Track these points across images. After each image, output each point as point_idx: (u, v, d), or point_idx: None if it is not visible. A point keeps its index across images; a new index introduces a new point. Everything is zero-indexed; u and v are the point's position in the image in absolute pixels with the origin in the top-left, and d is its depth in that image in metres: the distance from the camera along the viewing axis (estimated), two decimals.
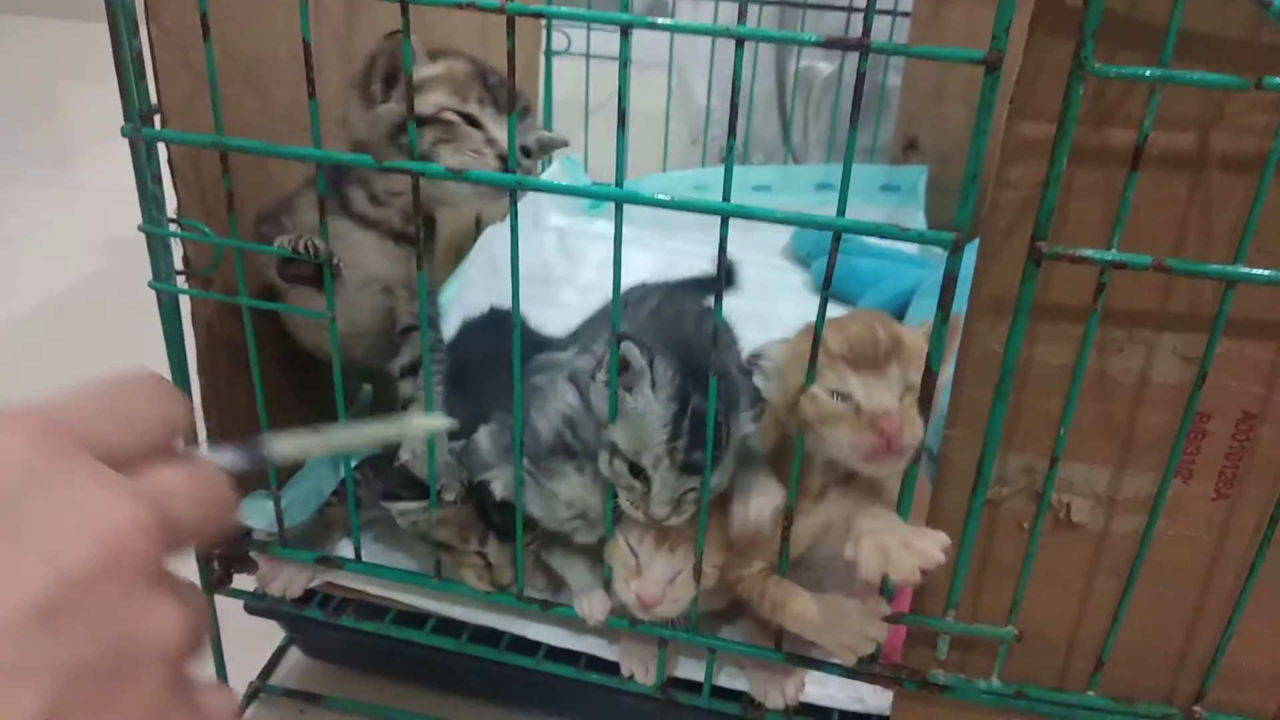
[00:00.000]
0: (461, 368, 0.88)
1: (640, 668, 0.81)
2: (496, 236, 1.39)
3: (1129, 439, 0.64)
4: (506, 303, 0.69)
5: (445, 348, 0.87)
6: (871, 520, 0.67)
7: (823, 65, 1.82)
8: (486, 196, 0.78)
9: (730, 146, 0.59)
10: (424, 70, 0.77)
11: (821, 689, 0.81)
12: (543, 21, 1.52)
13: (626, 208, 0.64)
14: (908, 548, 0.62)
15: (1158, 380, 0.62)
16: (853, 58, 1.65)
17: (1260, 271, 0.55)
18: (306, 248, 0.73)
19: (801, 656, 0.76)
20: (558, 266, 1.48)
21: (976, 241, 0.60)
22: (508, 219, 0.66)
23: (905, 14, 1.60)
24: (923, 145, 1.64)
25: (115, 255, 1.72)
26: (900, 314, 1.30)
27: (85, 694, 0.29)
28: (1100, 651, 0.70)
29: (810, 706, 0.80)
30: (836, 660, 0.74)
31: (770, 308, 1.19)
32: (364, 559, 0.84)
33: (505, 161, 0.76)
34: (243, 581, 0.87)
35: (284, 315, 0.86)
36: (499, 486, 0.77)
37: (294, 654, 1.00)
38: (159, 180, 0.72)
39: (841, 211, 0.59)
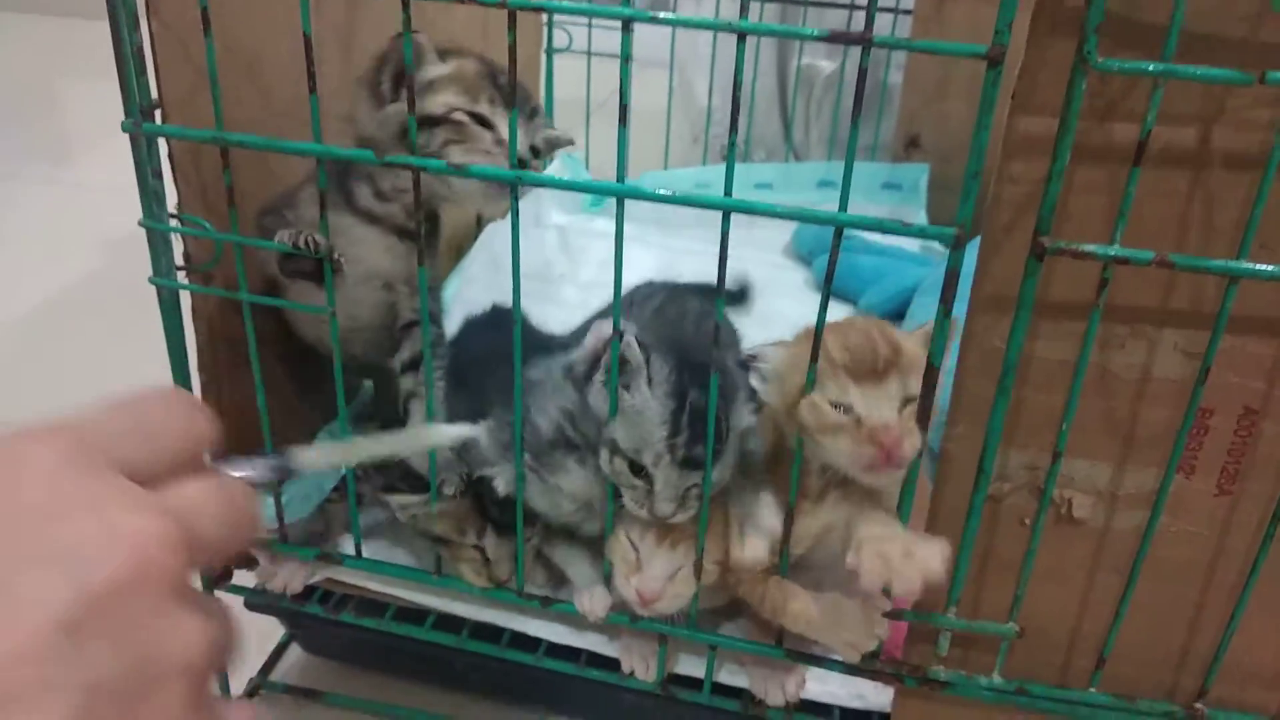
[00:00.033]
0: (464, 364, 0.88)
1: (641, 664, 0.81)
2: (497, 234, 1.39)
3: (1131, 435, 0.64)
4: (508, 300, 0.69)
5: (447, 344, 0.87)
6: (872, 527, 0.67)
7: (824, 63, 1.82)
8: (494, 196, 0.78)
9: (732, 142, 0.59)
10: (433, 70, 0.77)
11: (822, 686, 0.81)
12: (544, 18, 1.52)
13: (628, 205, 0.64)
14: (910, 558, 0.61)
15: (1160, 376, 0.62)
16: (854, 56, 1.66)
17: (1263, 267, 0.55)
18: (307, 243, 0.72)
19: (802, 653, 0.76)
20: (558, 264, 1.47)
21: (978, 239, 0.60)
22: (508, 216, 0.66)
23: (906, 12, 1.60)
24: (924, 143, 1.64)
25: (114, 253, 1.72)
26: (901, 312, 1.30)
27: (109, 709, 0.30)
28: (1102, 648, 0.70)
29: (811, 703, 0.80)
30: (837, 657, 0.74)
31: (771, 305, 1.19)
32: (364, 555, 0.84)
33: (521, 163, 0.76)
34: (243, 578, 0.87)
35: (285, 309, 0.86)
36: (501, 483, 0.77)
37: (294, 650, 1.00)
38: (159, 175, 0.72)
39: (844, 206, 0.59)
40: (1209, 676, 0.69)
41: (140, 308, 0.75)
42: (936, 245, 1.49)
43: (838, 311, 1.32)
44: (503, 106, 0.77)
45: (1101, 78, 0.54)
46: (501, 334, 0.88)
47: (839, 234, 0.60)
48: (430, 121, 0.75)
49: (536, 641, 0.84)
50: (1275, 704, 0.70)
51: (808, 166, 1.74)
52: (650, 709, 0.85)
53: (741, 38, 0.57)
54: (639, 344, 0.69)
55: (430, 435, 0.50)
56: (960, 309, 0.61)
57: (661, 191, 0.62)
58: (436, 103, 0.75)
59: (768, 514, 0.71)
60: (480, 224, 1.42)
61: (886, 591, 0.68)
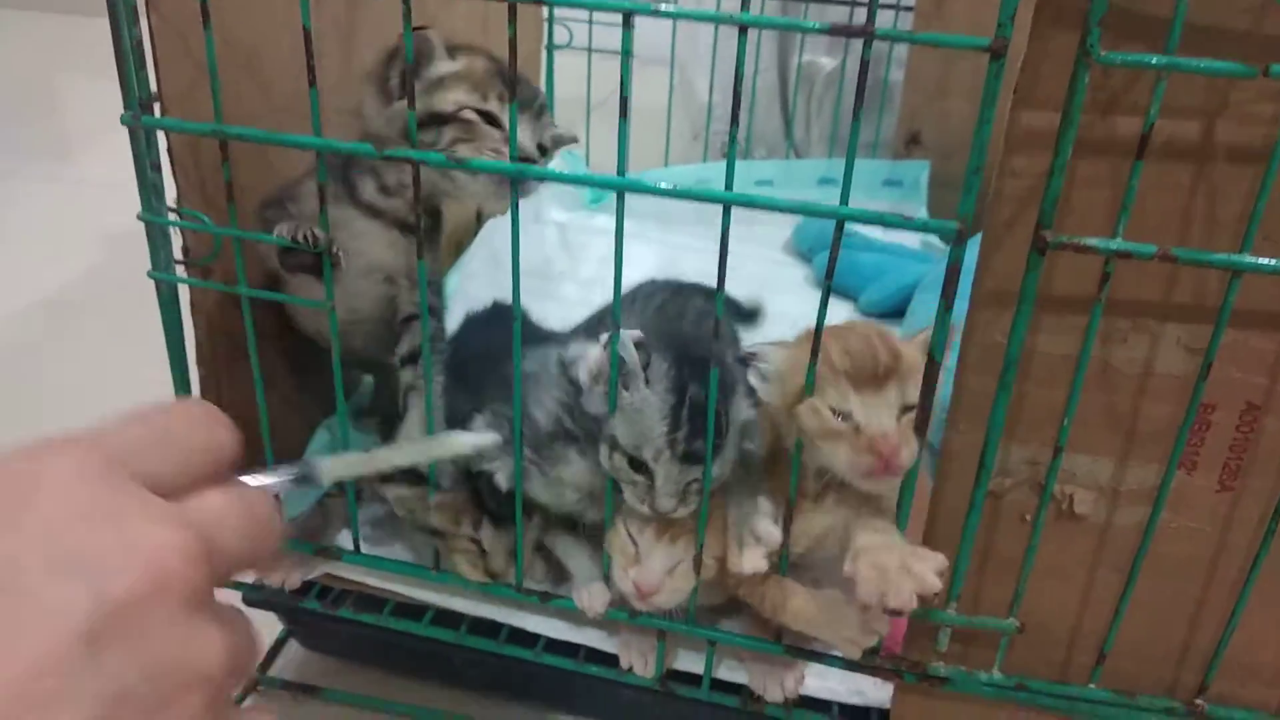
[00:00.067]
0: (464, 360, 0.88)
1: (639, 660, 0.80)
2: (497, 230, 1.38)
3: (1133, 430, 0.64)
4: (508, 296, 0.69)
5: (447, 338, 0.87)
6: (871, 536, 0.67)
7: (825, 60, 1.82)
8: (499, 194, 0.77)
9: (733, 135, 0.59)
10: (443, 66, 0.77)
11: (821, 682, 0.80)
12: (544, 14, 1.52)
13: (628, 202, 0.63)
14: (906, 572, 0.62)
15: (1162, 371, 0.62)
16: (855, 53, 1.65)
17: (1267, 261, 0.55)
18: (306, 237, 0.72)
19: (801, 649, 0.76)
20: (558, 261, 1.47)
21: (978, 237, 0.60)
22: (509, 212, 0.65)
23: (908, 8, 1.60)
24: (925, 140, 1.64)
25: (115, 249, 1.71)
26: (901, 309, 1.30)
27: (128, 719, 0.30)
28: (1102, 644, 0.69)
29: (810, 699, 0.80)
30: (837, 653, 0.73)
31: (772, 302, 1.19)
32: (363, 550, 0.83)
33: (526, 162, 0.76)
34: (240, 573, 0.87)
35: (285, 302, 0.86)
36: (502, 478, 0.76)
37: (292, 646, 1.00)
38: (158, 169, 0.72)
39: (845, 199, 0.59)
40: (1209, 672, 0.69)
41: (141, 303, 0.75)
42: (937, 243, 1.50)
43: (838, 308, 1.33)
44: None
45: (1104, 71, 0.54)
46: (502, 330, 0.88)
47: (840, 227, 0.60)
48: (439, 119, 0.75)
49: (535, 637, 0.83)
50: (1276, 700, 0.70)
51: (808, 164, 1.74)
52: (649, 704, 0.85)
53: (743, 30, 0.57)
54: (636, 346, 0.69)
55: (451, 443, 0.51)
56: (961, 306, 0.61)
57: (662, 185, 0.62)
58: (446, 100, 0.75)
59: (766, 524, 0.71)
60: (481, 220, 1.41)
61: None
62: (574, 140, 0.85)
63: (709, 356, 0.66)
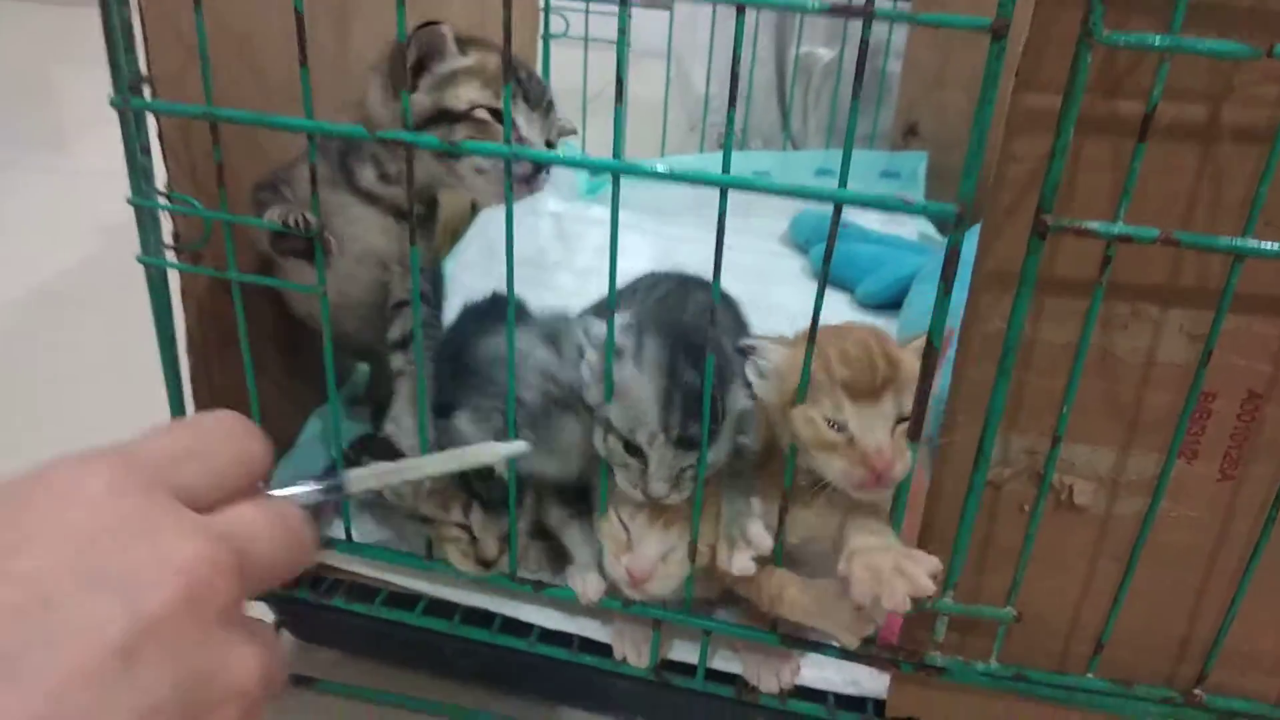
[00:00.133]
0: (461, 349, 0.87)
1: (633, 650, 0.80)
2: (493, 219, 1.38)
3: (1133, 419, 0.63)
4: (504, 286, 0.68)
5: (440, 324, 0.86)
6: (865, 538, 0.66)
7: (823, 51, 1.81)
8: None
9: (730, 117, 0.58)
10: (454, 61, 0.76)
11: (817, 671, 0.80)
12: (540, 3, 1.51)
13: (625, 194, 0.63)
14: (900, 573, 0.62)
15: (1164, 359, 0.61)
16: (853, 43, 1.65)
17: (1269, 245, 0.54)
18: (297, 221, 0.72)
19: (796, 639, 0.75)
20: (553, 251, 1.46)
21: (977, 228, 0.59)
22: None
23: None
24: (923, 132, 1.63)
25: (111, 239, 1.71)
26: (898, 301, 1.29)
27: None
28: (1101, 634, 0.69)
29: (806, 690, 0.80)
30: (832, 643, 0.73)
31: (769, 292, 1.18)
32: (355, 540, 0.83)
33: (537, 164, 0.75)
34: None
35: (278, 286, 0.85)
36: (501, 465, 0.76)
37: (285, 637, 0.99)
38: (148, 152, 0.71)
39: (844, 183, 0.58)
40: (1208, 662, 0.69)
41: (136, 293, 0.74)
42: (935, 235, 1.49)
43: (835, 299, 1.32)
44: (524, 103, 0.76)
45: (1107, 52, 0.53)
46: (502, 321, 0.87)
47: (838, 211, 0.59)
48: (451, 117, 0.74)
49: (528, 627, 0.83)
50: (1276, 690, 0.70)
51: (805, 155, 1.74)
52: (643, 694, 0.84)
53: (740, 10, 0.56)
54: (628, 328, 0.68)
55: (481, 453, 0.51)
56: (959, 297, 0.60)
57: (659, 168, 0.61)
58: (459, 98, 0.74)
59: (756, 528, 0.71)
60: (475, 209, 1.41)
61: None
62: (573, 131, 0.85)
63: (705, 342, 0.65)
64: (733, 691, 0.79)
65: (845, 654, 0.73)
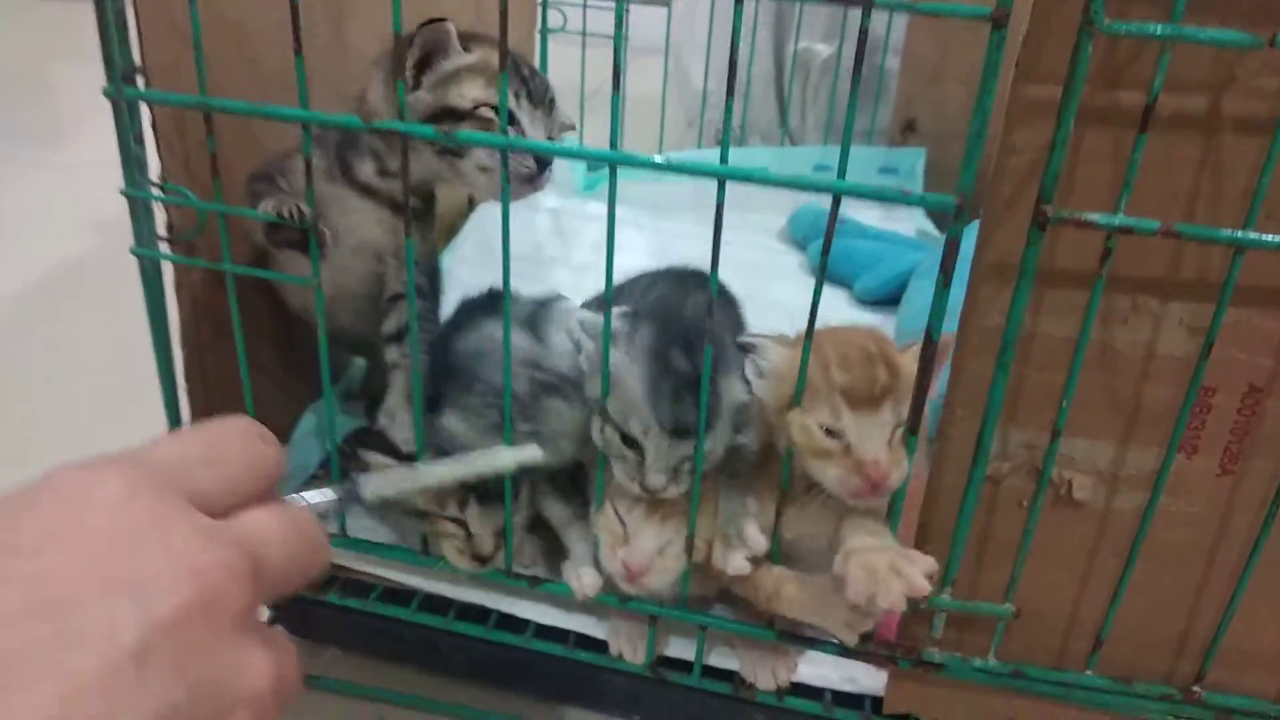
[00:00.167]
0: (456, 343, 0.86)
1: (629, 646, 0.79)
2: (489, 215, 1.37)
3: (1133, 413, 0.63)
4: (501, 282, 0.67)
5: (436, 317, 0.86)
6: (862, 538, 0.66)
7: (821, 47, 1.81)
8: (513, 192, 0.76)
9: (728, 107, 0.57)
10: (458, 59, 0.76)
11: (814, 669, 0.79)
12: None
13: (622, 191, 0.63)
14: (896, 574, 0.61)
15: (1164, 353, 0.60)
16: (851, 38, 1.64)
17: (1271, 237, 0.54)
18: (292, 213, 0.71)
19: (793, 635, 0.75)
20: (550, 246, 1.46)
21: (975, 225, 0.59)
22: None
23: None
24: (921, 127, 1.63)
25: (107, 233, 1.70)
26: (897, 297, 1.29)
27: None
28: (1100, 630, 0.68)
29: (802, 687, 0.79)
30: (829, 639, 0.73)
31: (767, 289, 1.18)
32: (350, 534, 0.82)
33: (542, 163, 0.75)
34: None
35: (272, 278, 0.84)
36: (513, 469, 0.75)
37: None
38: (141, 142, 0.70)
39: (842, 173, 0.57)
40: (1207, 659, 0.68)
41: (132, 286, 0.74)
42: (933, 231, 1.49)
43: (833, 295, 1.32)
44: (528, 101, 0.76)
45: (1108, 42, 0.53)
46: (483, 315, 0.87)
47: (837, 201, 0.58)
48: (455, 115, 0.74)
49: (524, 623, 0.82)
50: (1275, 688, 0.69)
51: (803, 150, 1.74)
52: (639, 692, 0.84)
53: (739, 0, 0.55)
54: (624, 316, 0.68)
55: (496, 459, 0.52)
56: (958, 293, 0.60)
57: (656, 159, 0.61)
58: (463, 96, 0.74)
59: (752, 529, 0.71)
60: (472, 204, 1.40)
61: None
62: (571, 126, 0.84)
63: (701, 333, 0.65)
64: (729, 688, 0.79)
65: (843, 651, 0.73)
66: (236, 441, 0.37)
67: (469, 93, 0.75)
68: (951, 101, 1.57)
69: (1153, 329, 0.60)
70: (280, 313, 0.87)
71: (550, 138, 0.79)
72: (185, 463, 0.35)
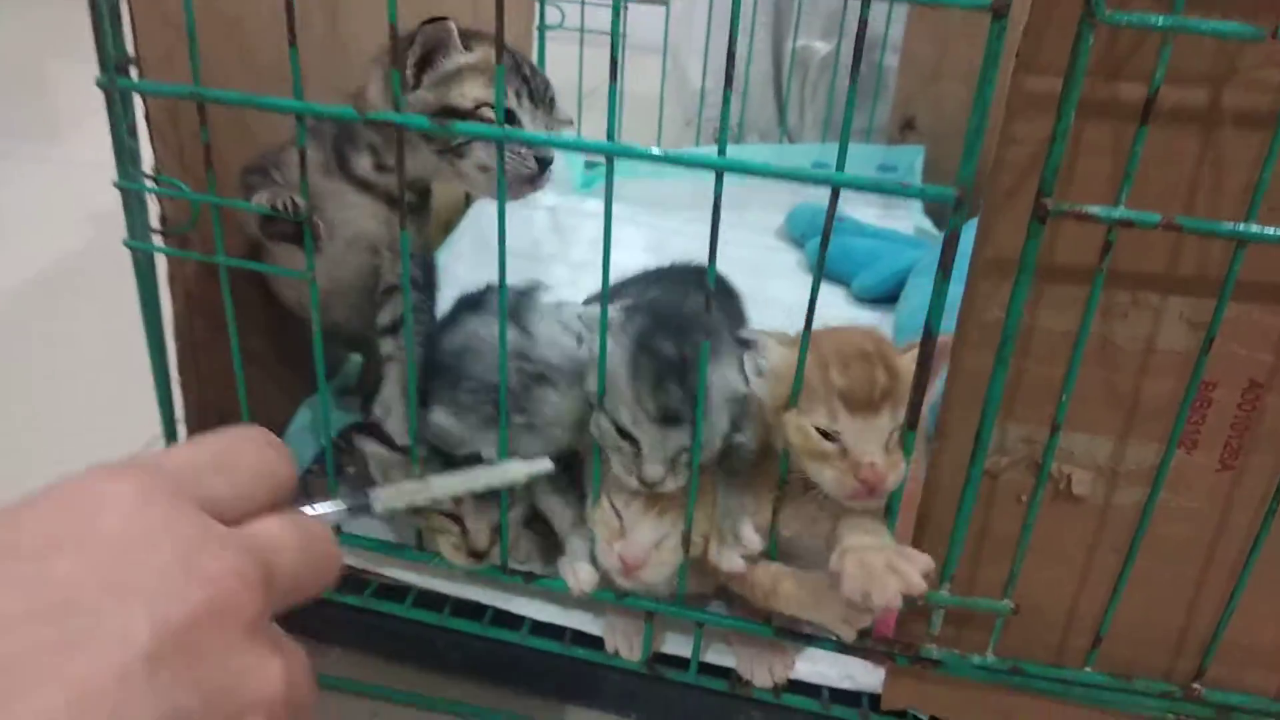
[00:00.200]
0: (442, 341, 0.86)
1: (625, 643, 0.79)
2: (486, 211, 1.37)
3: (1133, 408, 0.62)
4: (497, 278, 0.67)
5: (431, 310, 0.86)
6: (860, 536, 0.66)
7: (819, 45, 1.80)
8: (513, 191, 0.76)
9: (727, 97, 0.57)
10: (459, 58, 0.76)
11: (811, 666, 0.79)
12: None
13: (620, 189, 0.62)
14: (892, 571, 0.61)
15: (1164, 347, 0.60)
16: (849, 35, 1.64)
17: (1273, 231, 0.54)
18: (286, 205, 0.71)
19: (790, 631, 0.74)
20: (548, 244, 1.46)
21: (974, 222, 0.59)
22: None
23: None
24: (920, 125, 1.63)
25: (103, 229, 1.70)
26: (895, 295, 1.28)
27: None
28: (1099, 627, 0.68)
29: (800, 684, 0.79)
30: (826, 636, 0.72)
31: (765, 286, 1.17)
32: (344, 530, 0.82)
33: (543, 163, 0.74)
34: None
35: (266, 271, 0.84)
36: (493, 454, 0.75)
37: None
38: (134, 134, 0.70)
39: (841, 165, 0.57)
40: (1207, 656, 0.68)
41: (129, 281, 0.74)
42: (931, 229, 1.48)
43: (831, 293, 1.31)
44: (529, 101, 0.75)
45: (1109, 34, 0.53)
46: (471, 312, 0.86)
47: (835, 194, 0.58)
48: (456, 114, 0.73)
49: (520, 619, 0.82)
50: (1276, 684, 0.69)
51: (801, 148, 1.73)
52: (635, 688, 0.83)
53: None
54: (624, 308, 0.67)
55: (507, 472, 0.52)
56: (956, 289, 0.59)
57: (654, 151, 0.60)
58: (464, 95, 0.74)
59: (747, 528, 0.70)
60: (469, 200, 1.40)
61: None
62: (569, 123, 0.84)
63: (692, 323, 0.64)
64: (726, 685, 0.78)
65: (840, 648, 0.73)
66: (248, 449, 0.37)
67: (470, 92, 0.74)
68: (950, 99, 1.57)
69: (1153, 323, 0.60)
70: (274, 306, 0.87)
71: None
72: (197, 469, 0.35)
